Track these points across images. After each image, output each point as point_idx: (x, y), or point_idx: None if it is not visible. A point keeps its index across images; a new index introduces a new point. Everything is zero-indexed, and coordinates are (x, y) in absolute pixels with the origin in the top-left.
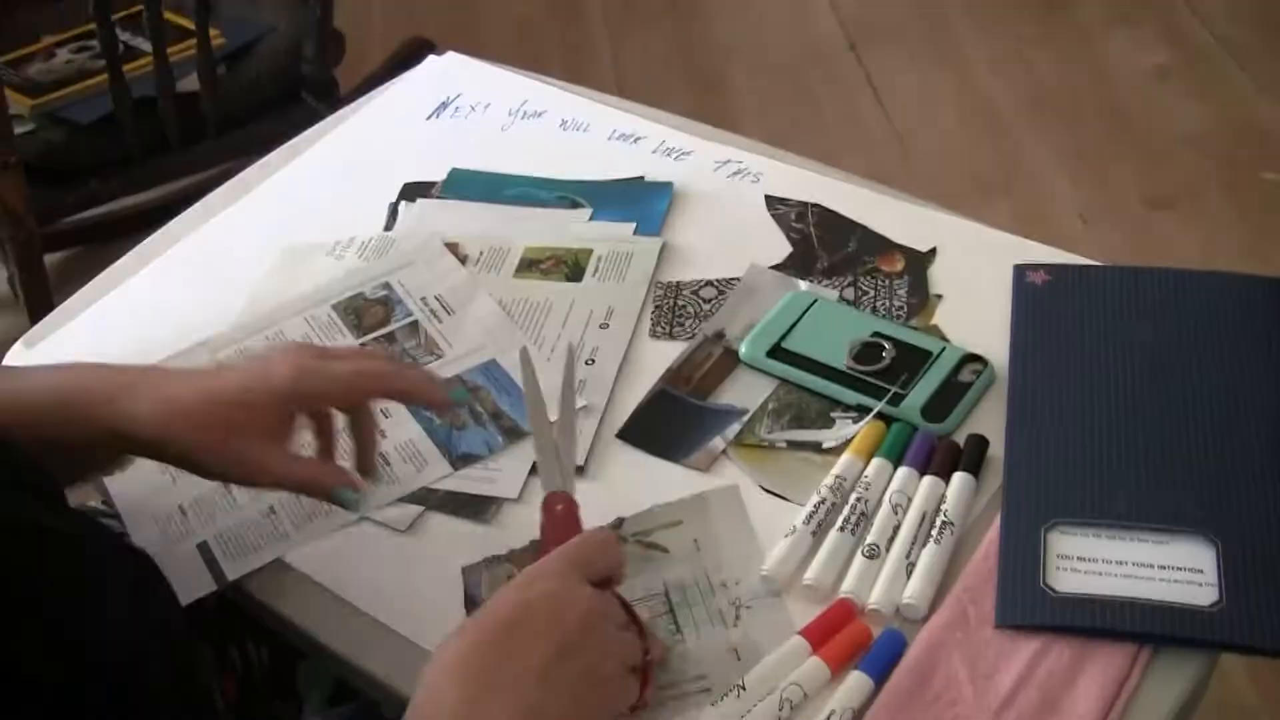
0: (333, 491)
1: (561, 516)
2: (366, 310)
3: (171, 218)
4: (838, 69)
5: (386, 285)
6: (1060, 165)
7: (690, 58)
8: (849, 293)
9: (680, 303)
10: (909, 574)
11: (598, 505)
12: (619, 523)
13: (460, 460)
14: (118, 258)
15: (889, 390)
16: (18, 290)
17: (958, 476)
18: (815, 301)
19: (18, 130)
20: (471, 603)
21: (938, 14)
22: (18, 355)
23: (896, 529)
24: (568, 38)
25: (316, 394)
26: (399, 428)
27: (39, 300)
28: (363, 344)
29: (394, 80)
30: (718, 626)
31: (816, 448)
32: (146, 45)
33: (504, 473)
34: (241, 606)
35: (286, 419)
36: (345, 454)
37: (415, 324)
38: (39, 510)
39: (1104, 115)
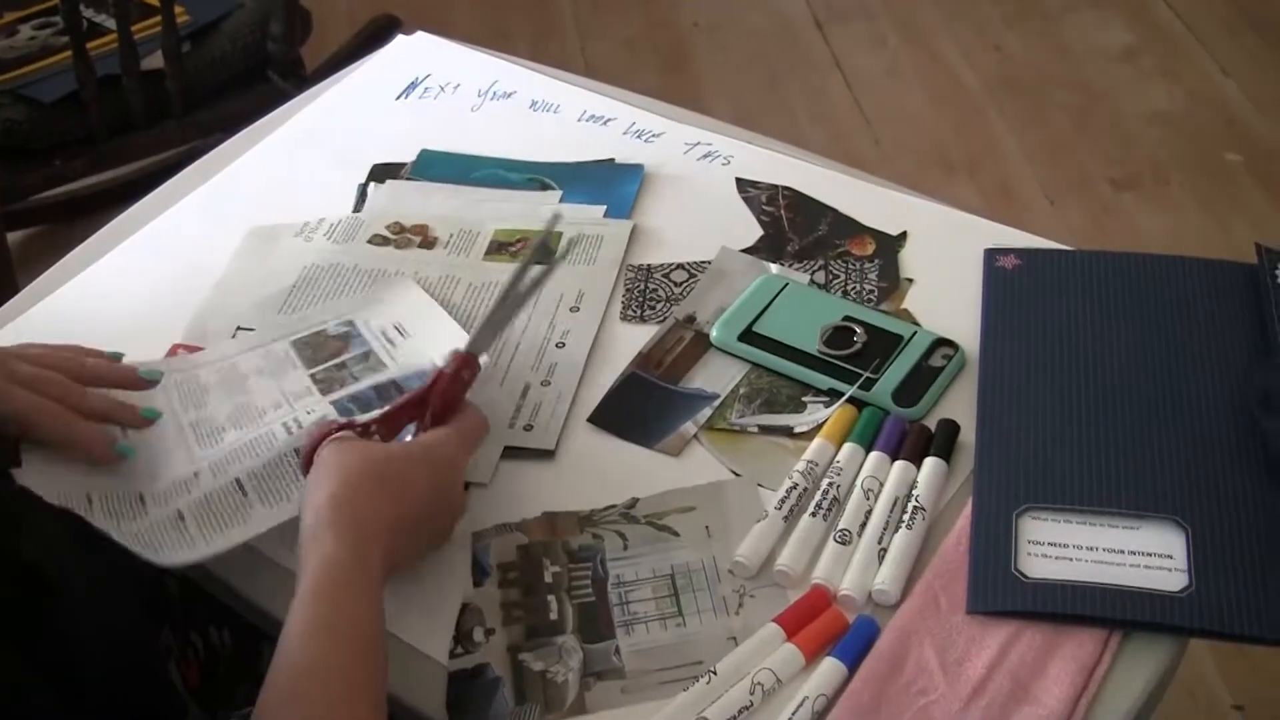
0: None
1: (464, 382)
2: (323, 345)
3: (136, 197)
4: (804, 48)
5: (350, 323)
6: (1026, 145)
7: (656, 36)
8: (820, 276)
9: (651, 286)
10: (881, 560)
11: (568, 489)
12: (633, 502)
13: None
14: (82, 236)
15: (860, 375)
16: None
17: (929, 461)
18: (786, 285)
19: None
20: (482, 572)
21: None
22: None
23: (868, 514)
24: (534, 15)
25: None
26: (310, 420)
27: (2, 279)
28: (313, 374)
29: (362, 60)
30: (720, 614)
31: (788, 432)
32: (110, 22)
33: (477, 461)
34: (205, 589)
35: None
36: None
37: (369, 354)
38: None
39: (1070, 96)
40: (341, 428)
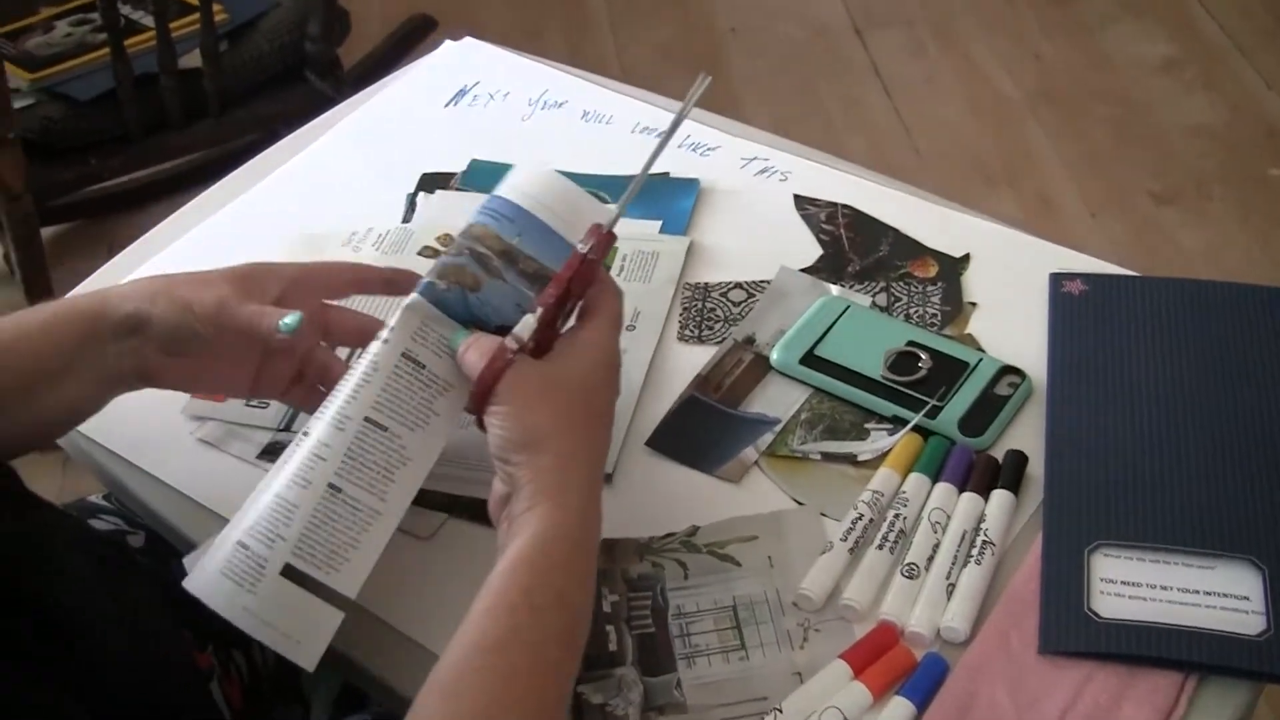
0: (280, 323)
1: (597, 261)
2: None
3: (169, 194)
4: (842, 55)
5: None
6: (1066, 156)
7: (692, 40)
8: (881, 298)
9: (709, 305)
10: (949, 595)
11: (626, 515)
12: (694, 531)
13: (500, 331)
14: (114, 233)
15: (926, 402)
16: (14, 266)
17: (997, 494)
18: (848, 307)
19: (15, 105)
20: None
21: (944, 3)
22: None
23: (936, 548)
24: (569, 16)
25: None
26: (404, 317)
27: (35, 276)
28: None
29: (409, 64)
30: (784, 648)
31: (851, 460)
32: (147, 20)
33: None
34: None
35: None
36: None
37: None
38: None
39: (1111, 108)
40: (518, 351)
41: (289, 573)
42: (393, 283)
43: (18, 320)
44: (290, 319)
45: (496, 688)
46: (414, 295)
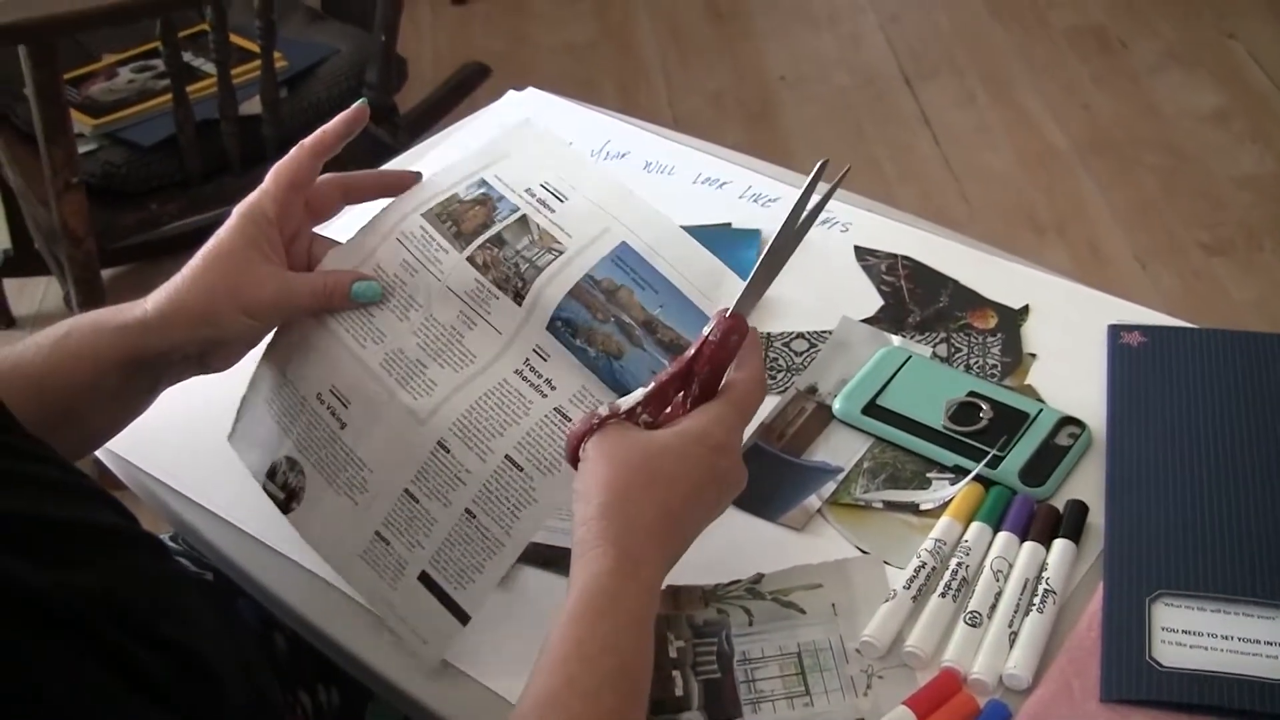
0: (353, 288)
1: (732, 346)
2: (464, 215)
3: None
4: (892, 104)
5: (482, 183)
6: (1115, 206)
7: (743, 89)
8: (941, 349)
9: (771, 355)
10: (1012, 643)
11: (691, 562)
12: (759, 578)
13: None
14: (171, 274)
15: (987, 452)
16: (74, 308)
17: (1058, 543)
18: (910, 358)
19: (79, 150)
20: None
21: (992, 51)
22: None
23: (998, 596)
24: (620, 65)
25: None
26: (566, 378)
27: None
28: (468, 257)
29: (474, 114)
30: (848, 694)
31: (914, 509)
32: (207, 66)
33: None
34: (314, 648)
35: (277, 241)
36: None
37: (523, 219)
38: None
39: (1160, 158)
40: (608, 417)
41: (424, 579)
42: (385, 185)
43: (50, 352)
44: (363, 287)
45: None
46: (549, 336)
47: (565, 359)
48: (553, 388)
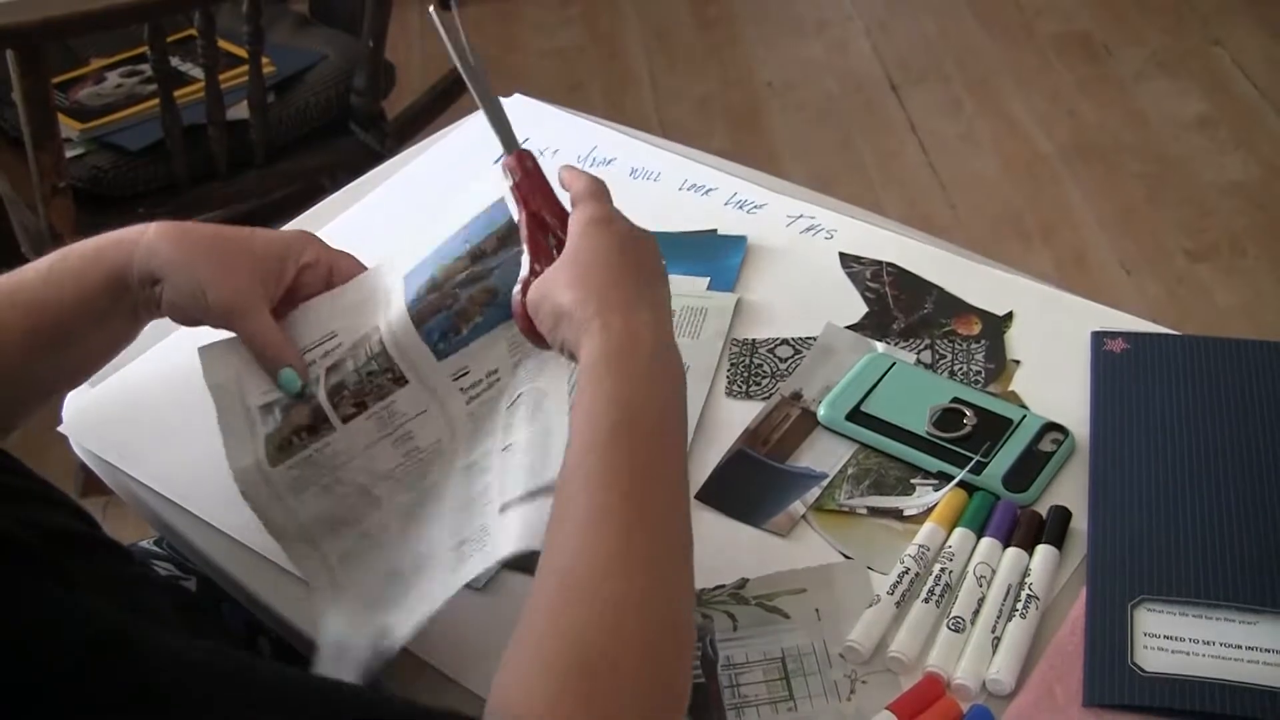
0: (281, 373)
1: (535, 171)
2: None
3: None
4: (879, 110)
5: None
6: (1100, 213)
7: (730, 95)
8: (926, 355)
9: (756, 361)
10: (994, 648)
11: None
12: (743, 583)
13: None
14: None
15: (971, 458)
16: None
17: (1041, 549)
18: (894, 364)
19: (67, 154)
20: None
21: (979, 59)
22: (81, 395)
23: (981, 601)
24: (608, 71)
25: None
26: (492, 353)
27: None
28: (343, 417)
29: (460, 120)
30: (832, 699)
31: (898, 515)
32: (195, 71)
33: None
34: (298, 652)
35: (278, 274)
36: None
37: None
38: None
39: (1145, 165)
40: (523, 290)
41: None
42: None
43: (47, 272)
44: (289, 380)
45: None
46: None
47: (478, 349)
48: (497, 376)
